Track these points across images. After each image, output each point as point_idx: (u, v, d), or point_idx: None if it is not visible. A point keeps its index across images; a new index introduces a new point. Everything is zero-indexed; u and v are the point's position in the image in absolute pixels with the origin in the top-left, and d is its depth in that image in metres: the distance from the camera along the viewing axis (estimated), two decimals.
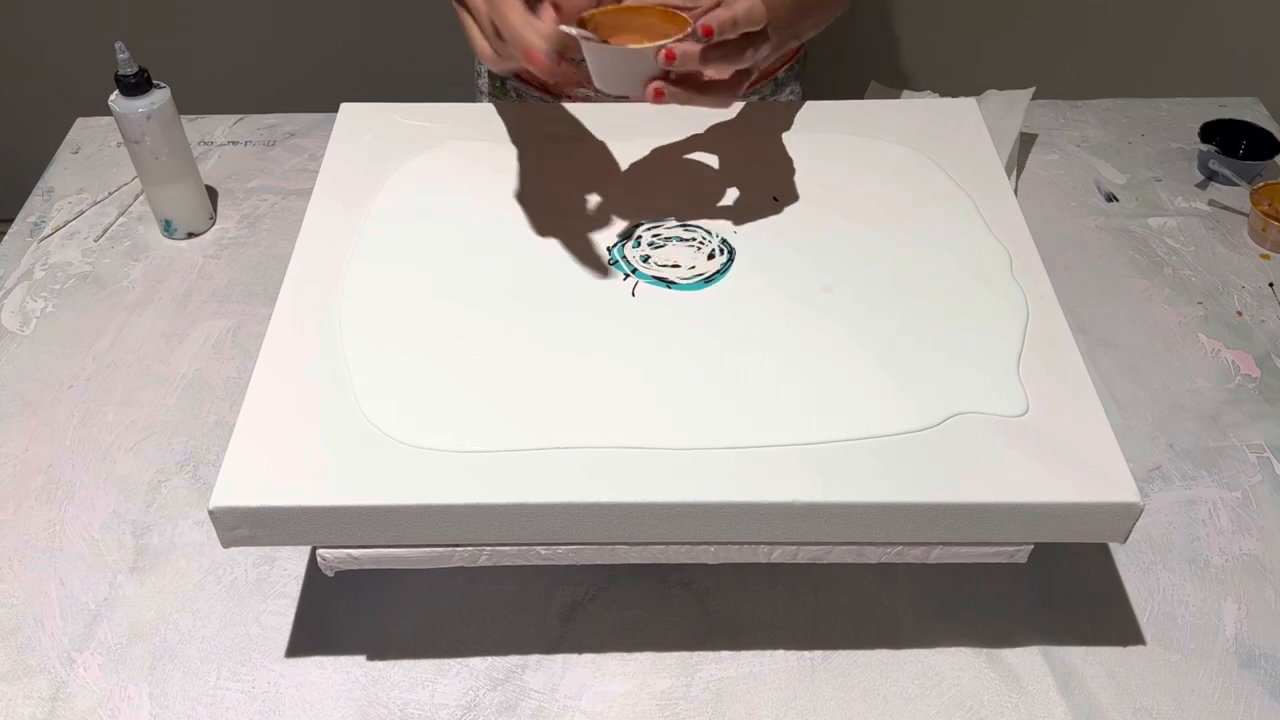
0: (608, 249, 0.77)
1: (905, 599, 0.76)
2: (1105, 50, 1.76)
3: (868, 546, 0.65)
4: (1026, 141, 1.16)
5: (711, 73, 0.69)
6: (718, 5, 0.68)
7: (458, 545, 0.64)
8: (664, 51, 0.66)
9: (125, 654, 0.72)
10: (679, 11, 0.70)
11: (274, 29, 1.88)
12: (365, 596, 0.75)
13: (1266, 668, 0.72)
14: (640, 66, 0.68)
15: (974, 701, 0.70)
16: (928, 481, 0.62)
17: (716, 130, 0.88)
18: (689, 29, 0.68)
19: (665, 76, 0.68)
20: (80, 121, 1.21)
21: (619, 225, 0.79)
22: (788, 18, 0.77)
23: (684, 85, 0.69)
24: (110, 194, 1.11)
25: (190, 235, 1.04)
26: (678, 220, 0.80)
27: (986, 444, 0.64)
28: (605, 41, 0.70)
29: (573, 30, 0.68)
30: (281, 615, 0.75)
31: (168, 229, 1.04)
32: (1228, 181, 1.11)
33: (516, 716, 0.69)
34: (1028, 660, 0.72)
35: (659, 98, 0.69)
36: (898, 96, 1.17)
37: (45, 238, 1.06)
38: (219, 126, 1.19)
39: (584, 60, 0.70)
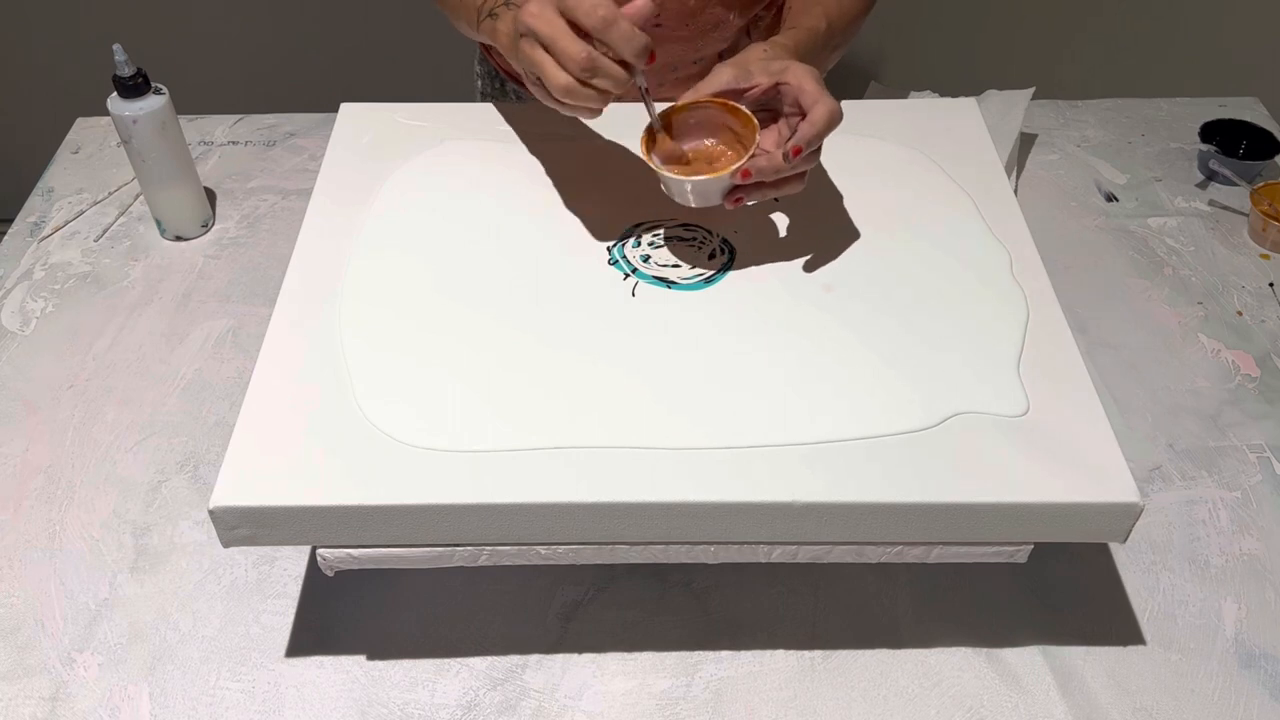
0: (608, 249, 0.77)
1: (905, 599, 0.76)
2: (1105, 50, 1.76)
3: (868, 546, 0.65)
4: (1026, 141, 1.16)
5: (796, 171, 0.71)
6: (773, 87, 0.70)
7: (458, 545, 0.64)
8: (740, 173, 0.69)
9: (125, 654, 0.72)
10: (737, 104, 0.71)
11: (274, 29, 1.88)
12: (365, 596, 0.75)
13: (1266, 668, 0.72)
14: (718, 186, 0.70)
15: (974, 701, 0.70)
16: (928, 481, 0.62)
17: None
18: (756, 130, 0.70)
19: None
20: (80, 121, 1.21)
21: (619, 225, 0.79)
22: (821, 62, 0.81)
23: (761, 188, 0.71)
24: (110, 194, 1.11)
25: (179, 239, 1.05)
26: (678, 220, 0.80)
27: (986, 444, 0.64)
28: (666, 148, 0.73)
29: (654, 165, 0.70)
30: (281, 615, 0.75)
31: (159, 227, 1.05)
32: (1228, 181, 1.11)
33: (516, 716, 0.69)
34: (1027, 660, 0.72)
35: (737, 205, 0.72)
36: (898, 96, 1.17)
37: (45, 238, 1.06)
38: (219, 126, 1.19)
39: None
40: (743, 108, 0.71)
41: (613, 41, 0.64)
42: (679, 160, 0.73)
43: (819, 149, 0.70)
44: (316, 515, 0.61)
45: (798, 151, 0.67)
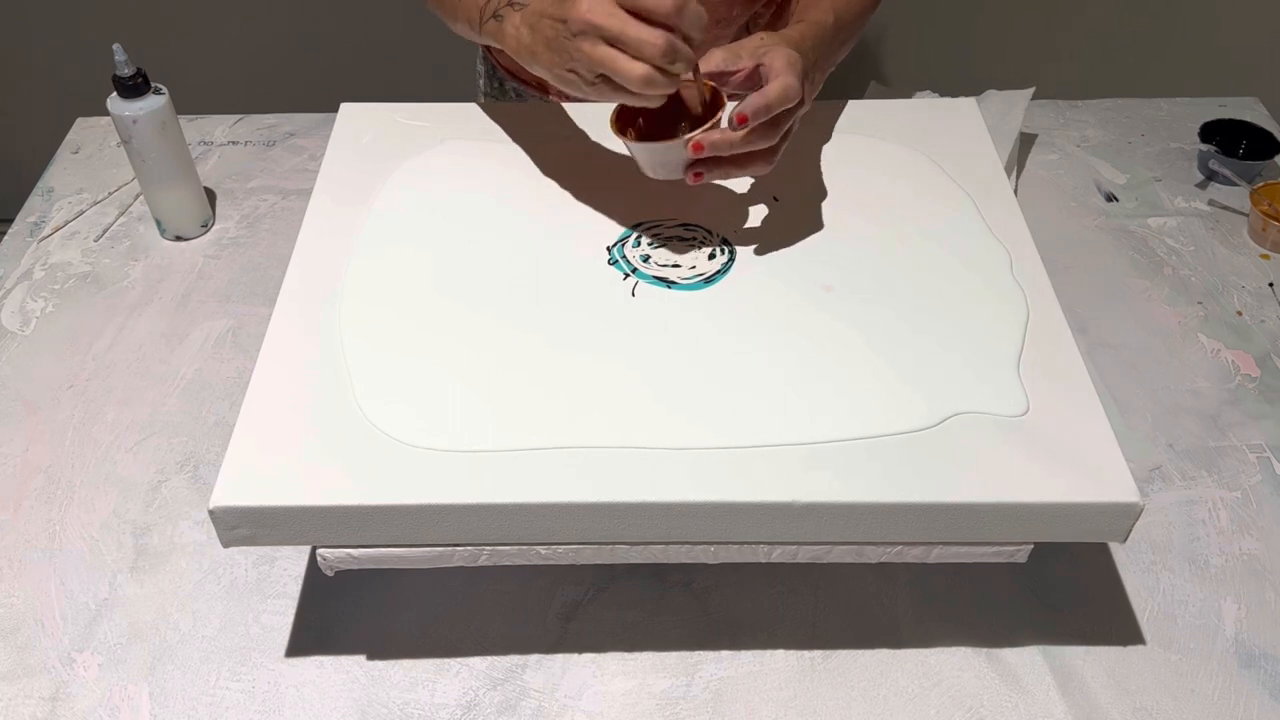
0: (608, 249, 0.77)
1: (905, 599, 0.76)
2: (1105, 50, 1.76)
3: (868, 546, 0.65)
4: (1026, 141, 1.16)
5: (750, 149, 0.70)
6: (755, 70, 0.70)
7: (458, 545, 0.64)
8: (691, 145, 0.68)
9: (125, 654, 0.72)
10: (718, 87, 0.71)
11: (274, 29, 1.88)
12: (365, 596, 0.75)
13: (1266, 668, 0.72)
14: (674, 155, 0.70)
15: (974, 701, 0.70)
16: (928, 481, 0.62)
17: None
18: (721, 112, 0.70)
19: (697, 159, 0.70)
20: (80, 121, 1.21)
21: (619, 225, 0.79)
22: (828, 54, 0.80)
23: (721, 164, 0.70)
24: (110, 194, 1.11)
25: (179, 239, 1.05)
26: (678, 220, 0.80)
27: (986, 444, 0.64)
28: (650, 127, 0.73)
29: (619, 136, 0.71)
30: (281, 615, 0.75)
31: (159, 227, 1.05)
32: (1228, 181, 1.11)
33: (516, 716, 0.69)
34: (1027, 660, 0.72)
35: (698, 180, 0.71)
36: (898, 96, 1.17)
37: (45, 238, 1.06)
38: (219, 126, 1.19)
39: None
40: (716, 86, 0.71)
41: (684, 24, 0.64)
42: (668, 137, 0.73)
43: (781, 127, 0.69)
44: (316, 515, 0.61)
45: (743, 119, 0.67)
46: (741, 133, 0.68)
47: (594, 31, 0.65)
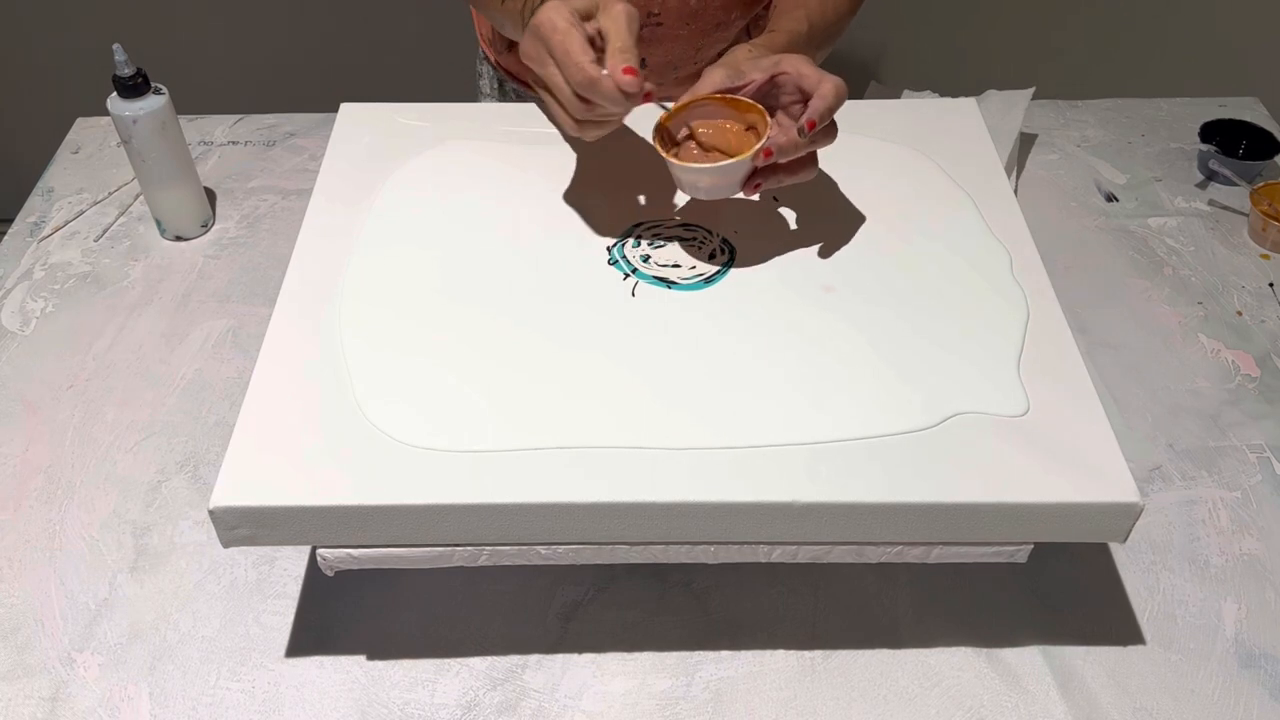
0: (608, 249, 0.77)
1: (905, 599, 0.76)
2: (1105, 50, 1.76)
3: (868, 546, 0.65)
4: (1026, 141, 1.16)
5: (813, 149, 0.71)
6: (768, 82, 0.71)
7: (458, 545, 0.64)
8: (763, 152, 0.69)
9: (125, 654, 0.72)
10: (738, 96, 0.71)
11: (274, 29, 1.88)
12: (365, 596, 0.75)
13: (1266, 668, 0.72)
14: (740, 172, 0.70)
15: (974, 701, 0.70)
16: (928, 481, 0.62)
17: None
18: (764, 113, 0.70)
19: (754, 169, 0.71)
20: (80, 121, 1.21)
21: (619, 225, 0.79)
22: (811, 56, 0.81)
23: (776, 172, 0.71)
24: (110, 194, 1.11)
25: (178, 239, 1.05)
26: (678, 220, 0.80)
27: (986, 444, 0.64)
28: (679, 148, 0.74)
29: (670, 160, 0.71)
30: (281, 615, 0.75)
31: (159, 227, 1.05)
32: (1228, 181, 1.11)
33: (516, 716, 0.69)
34: (1028, 660, 0.72)
35: (755, 190, 0.72)
36: (898, 96, 1.17)
37: (45, 238, 1.06)
38: (219, 126, 1.19)
39: None
40: (744, 98, 0.71)
41: (599, 101, 0.66)
42: (689, 157, 0.73)
43: (832, 128, 0.70)
44: (316, 515, 0.61)
45: (813, 125, 0.68)
46: (807, 136, 0.68)
47: (545, 45, 0.67)
